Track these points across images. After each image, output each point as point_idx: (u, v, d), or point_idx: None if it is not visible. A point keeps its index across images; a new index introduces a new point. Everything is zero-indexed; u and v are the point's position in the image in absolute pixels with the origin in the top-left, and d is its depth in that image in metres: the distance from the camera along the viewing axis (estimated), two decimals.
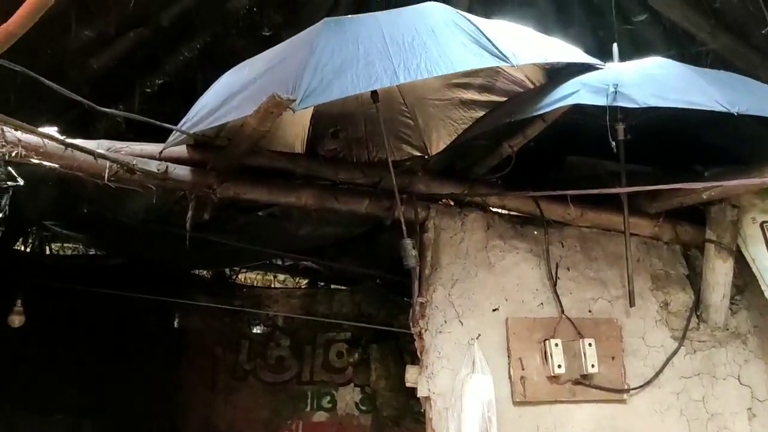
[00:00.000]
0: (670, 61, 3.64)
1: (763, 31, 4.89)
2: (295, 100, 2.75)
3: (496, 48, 3.02)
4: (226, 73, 3.62)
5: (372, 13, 3.44)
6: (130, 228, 4.85)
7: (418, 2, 5.56)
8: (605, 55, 4.43)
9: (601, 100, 3.14)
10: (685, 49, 5.52)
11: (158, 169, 3.54)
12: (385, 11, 3.45)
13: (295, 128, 4.60)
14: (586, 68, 3.52)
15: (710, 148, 4.14)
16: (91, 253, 7.78)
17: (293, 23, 5.89)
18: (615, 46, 4.12)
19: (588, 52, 3.83)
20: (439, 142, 4.82)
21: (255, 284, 8.70)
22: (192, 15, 5.55)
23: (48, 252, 7.74)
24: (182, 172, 3.68)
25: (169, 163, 3.61)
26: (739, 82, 3.55)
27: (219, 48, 5.82)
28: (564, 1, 5.82)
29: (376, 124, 4.41)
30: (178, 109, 5.67)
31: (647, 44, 5.67)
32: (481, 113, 4.56)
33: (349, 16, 3.44)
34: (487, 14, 5.60)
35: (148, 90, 5.95)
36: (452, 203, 4.18)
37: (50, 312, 6.64)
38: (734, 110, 2.97)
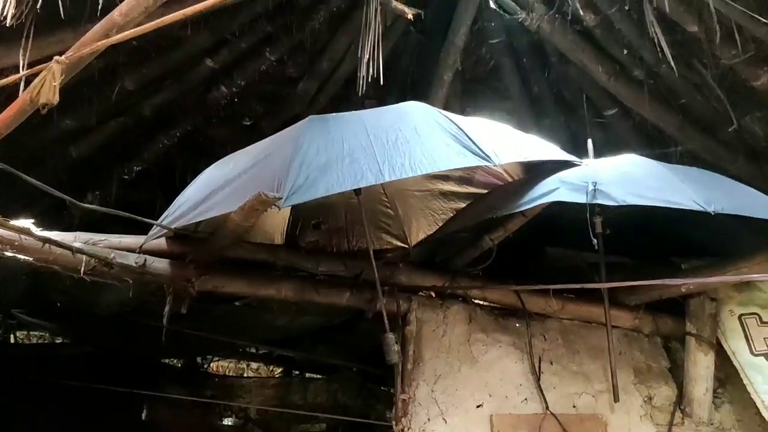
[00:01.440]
0: (644, 159, 3.75)
1: (729, 129, 5.09)
2: (281, 198, 2.76)
3: (479, 148, 3.08)
4: (210, 168, 3.63)
5: (356, 111, 3.51)
6: (102, 319, 4.72)
7: (397, 96, 5.84)
8: (578, 147, 4.57)
9: (581, 198, 3.20)
10: (656, 143, 5.70)
11: (136, 263, 3.48)
12: (368, 110, 3.52)
13: (275, 219, 4.60)
14: (564, 164, 3.60)
15: (687, 240, 4.23)
16: (58, 341, 7.52)
17: (273, 113, 6.02)
18: (590, 141, 4.23)
19: (561, 143, 3.95)
20: (419, 232, 4.85)
21: (227, 373, 8.46)
22: (174, 105, 5.61)
23: (12, 341, 7.47)
24: (161, 265, 3.62)
25: (147, 256, 3.56)
26: (711, 180, 3.65)
27: (199, 136, 5.88)
28: (537, 95, 6.02)
29: (357, 214, 4.44)
30: (154, 195, 5.71)
31: (618, 138, 5.85)
32: (460, 204, 4.62)
33: (334, 114, 3.50)
34: (462, 107, 5.79)
35: (126, 177, 5.93)
36: (434, 295, 4.16)
37: (12, 403, 6.33)
38: (710, 209, 3.04)
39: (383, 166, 2.97)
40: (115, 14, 2.33)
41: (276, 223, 4.66)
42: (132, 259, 3.49)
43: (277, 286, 3.89)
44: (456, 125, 3.23)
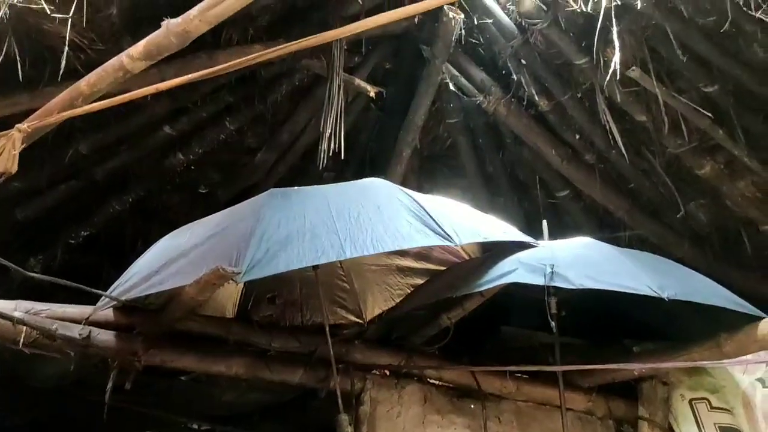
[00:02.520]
0: (599, 242, 3.82)
1: (678, 216, 5.28)
2: (239, 273, 2.69)
3: (439, 227, 3.09)
4: (164, 238, 3.54)
5: (317, 186, 3.51)
6: (38, 391, 4.45)
7: (355, 170, 5.89)
8: (531, 226, 4.67)
9: (539, 280, 3.24)
10: (605, 225, 5.85)
11: (80, 335, 3.33)
12: (331, 185, 3.51)
13: (227, 290, 4.47)
14: (522, 245, 3.65)
15: (638, 323, 4.28)
16: None
17: (230, 182, 5.98)
18: (544, 223, 4.30)
19: (514, 222, 4.02)
20: (374, 308, 4.79)
21: None
22: (128, 170, 5.52)
23: None
24: (106, 337, 3.46)
25: (92, 328, 3.41)
26: (663, 265, 3.75)
27: (152, 203, 5.77)
28: (491, 175, 6.15)
29: (312, 288, 4.38)
30: (102, 261, 5.52)
31: (569, 219, 5.99)
32: (417, 280, 4.61)
33: (296, 188, 3.49)
34: (419, 183, 5.86)
35: (72, 241, 5.74)
36: (389, 374, 4.07)
37: None
38: (665, 295, 3.11)
39: (345, 242, 2.94)
40: (82, 84, 2.30)
41: (228, 295, 4.54)
42: (76, 331, 3.34)
43: (228, 362, 3.76)
44: (417, 203, 3.25)
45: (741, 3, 3.67)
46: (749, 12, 3.68)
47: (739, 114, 4.59)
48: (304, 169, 6.00)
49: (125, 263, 3.63)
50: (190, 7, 3.93)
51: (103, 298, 3.36)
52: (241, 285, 4.53)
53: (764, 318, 3.48)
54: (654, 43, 4.51)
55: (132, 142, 5.34)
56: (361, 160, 6.09)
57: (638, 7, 4.13)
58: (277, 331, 4.11)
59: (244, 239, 2.92)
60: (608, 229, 5.76)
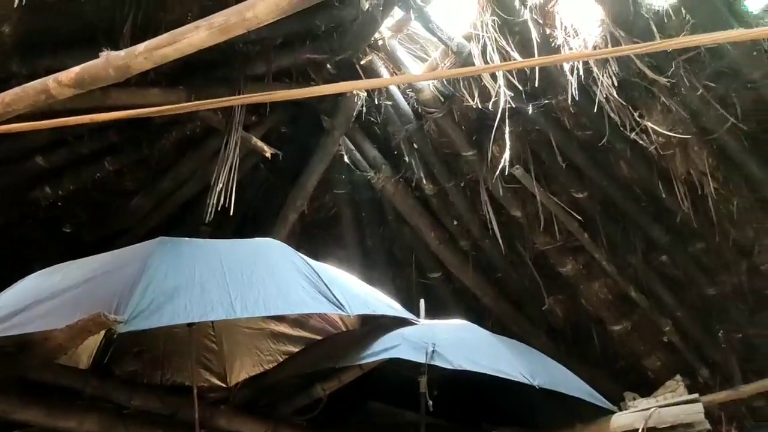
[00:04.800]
0: (477, 327, 3.97)
1: (539, 308, 5.62)
2: (122, 322, 2.52)
3: (333, 295, 3.10)
4: (32, 276, 3.25)
5: (210, 240, 3.41)
6: None
7: (234, 227, 5.75)
8: (402, 302, 4.74)
9: (420, 358, 3.30)
10: (471, 309, 6.07)
11: None
12: (224, 240, 3.42)
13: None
14: (403, 322, 3.72)
15: (501, 407, 4.43)
16: None
17: (98, 224, 5.63)
18: (422, 302, 4.39)
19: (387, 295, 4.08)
20: (240, 372, 4.63)
21: None
22: None
23: None
24: None
25: None
26: (533, 354, 3.96)
27: (9, 235, 5.27)
28: (370, 248, 6.25)
29: (178, 345, 4.18)
30: None
31: (439, 300, 6.17)
32: (290, 347, 4.54)
33: (187, 238, 3.36)
34: (298, 248, 5.82)
35: None
36: None
37: None
38: (536, 383, 3.28)
39: (235, 301, 2.86)
40: None
41: (85, 345, 4.21)
42: None
43: (80, 418, 3.45)
44: (312, 269, 3.24)
45: (618, 123, 4.10)
46: (624, 132, 4.13)
47: (603, 221, 5.05)
48: (180, 220, 5.78)
49: None
50: (91, 41, 3.83)
51: None
52: (101, 335, 4.23)
53: (616, 412, 3.75)
54: (536, 147, 4.90)
55: None
56: (243, 218, 5.98)
57: (528, 113, 4.50)
58: (139, 388, 3.85)
59: (128, 287, 2.75)
60: (474, 314, 5.99)
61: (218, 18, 2.02)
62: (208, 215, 4.44)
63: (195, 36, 2.04)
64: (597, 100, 4.06)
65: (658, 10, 3.81)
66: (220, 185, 4.42)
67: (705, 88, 3.84)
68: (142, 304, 2.66)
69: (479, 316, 6.00)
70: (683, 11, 3.69)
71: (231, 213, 4.52)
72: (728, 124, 3.93)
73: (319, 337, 4.36)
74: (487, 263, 5.90)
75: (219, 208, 4.53)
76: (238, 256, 3.20)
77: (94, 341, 4.26)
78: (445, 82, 4.88)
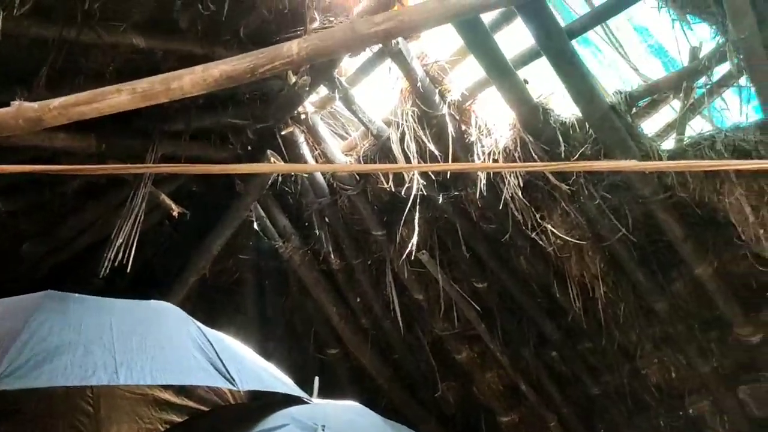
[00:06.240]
0: (369, 410, 3.93)
1: (432, 394, 5.65)
2: None
3: (225, 368, 3.02)
4: None
5: (102, 298, 3.25)
6: None
7: (129, 282, 5.52)
8: (296, 376, 4.65)
9: None
10: (365, 389, 6.03)
11: None
12: (117, 300, 3.27)
13: None
14: (295, 400, 3.64)
15: None
16: None
17: None
18: (316, 380, 4.32)
19: (282, 369, 3.99)
20: None
21: None
22: None
23: None
24: None
25: None
26: None
27: None
28: (270, 318, 6.14)
29: (48, 405, 3.91)
30: None
31: (334, 376, 6.10)
32: (172, 416, 4.33)
33: (77, 294, 3.19)
34: (195, 310, 5.64)
35: None
36: None
37: None
38: None
39: (120, 366, 2.73)
40: None
41: None
42: None
43: None
44: (207, 339, 3.16)
45: (521, 221, 4.30)
46: (525, 230, 4.33)
47: (500, 312, 5.20)
48: (73, 270, 5.50)
49: None
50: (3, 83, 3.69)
51: None
52: None
53: None
54: (443, 235, 5.04)
55: None
56: (140, 274, 5.76)
57: (438, 202, 4.65)
58: None
59: (5, 340, 2.58)
60: (368, 394, 5.94)
61: (142, 84, 2.01)
62: (105, 270, 4.26)
63: (115, 99, 2.02)
64: (503, 197, 4.26)
65: (565, 122, 4.10)
66: (121, 240, 4.28)
67: (602, 198, 4.10)
68: (19, 360, 2.51)
69: (373, 397, 5.97)
70: (587, 125, 3.98)
71: (128, 269, 4.38)
72: (620, 234, 4.20)
73: (205, 408, 4.19)
74: (386, 344, 5.92)
75: (116, 264, 4.38)
76: (130, 319, 3.07)
77: None
78: (362, 162, 4.99)
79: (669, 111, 4.25)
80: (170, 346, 2.99)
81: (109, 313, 3.06)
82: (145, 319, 3.16)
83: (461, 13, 2.57)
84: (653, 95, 4.06)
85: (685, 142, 3.86)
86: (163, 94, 1.97)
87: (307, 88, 4.32)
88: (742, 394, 4.63)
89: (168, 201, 4.77)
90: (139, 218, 4.38)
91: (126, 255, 4.23)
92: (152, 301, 3.45)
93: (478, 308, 5.12)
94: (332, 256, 5.47)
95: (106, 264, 4.22)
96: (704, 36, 3.63)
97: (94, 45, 3.98)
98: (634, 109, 3.96)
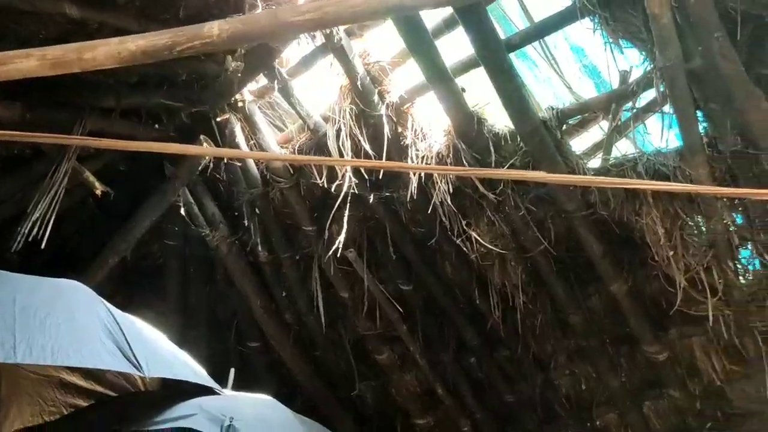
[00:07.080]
0: (281, 405, 3.89)
1: (350, 392, 5.66)
2: None
3: (133, 353, 2.93)
4: None
5: (8, 272, 3.11)
6: None
7: (44, 261, 5.31)
8: (214, 367, 4.58)
9: (215, 431, 3.17)
10: (284, 384, 5.97)
11: None
12: (24, 275, 3.13)
13: None
14: (207, 390, 3.58)
15: None
16: None
17: None
18: (232, 371, 4.27)
19: (198, 360, 3.93)
20: (15, 421, 4.16)
21: None
22: None
23: None
24: None
25: None
26: None
27: None
28: (192, 306, 6.01)
29: None
30: None
31: (253, 369, 6.03)
32: (78, 400, 4.17)
33: None
34: (114, 294, 5.46)
35: None
36: None
37: None
38: None
39: (19, 343, 2.62)
40: None
41: None
42: None
43: None
44: (116, 322, 3.06)
45: (447, 227, 4.36)
46: (452, 236, 4.39)
47: (422, 316, 5.25)
48: None
49: None
50: None
51: None
52: None
53: None
54: (372, 235, 5.06)
55: None
56: (58, 253, 5.55)
57: (369, 201, 4.66)
58: None
59: None
60: (287, 389, 5.90)
61: (54, 51, 1.94)
62: (17, 245, 4.08)
63: (24, 64, 1.93)
64: (432, 202, 4.30)
65: (498, 132, 4.18)
66: (37, 214, 4.11)
67: (527, 210, 4.21)
68: None
69: (291, 393, 5.94)
70: (518, 138, 4.07)
71: (43, 245, 4.21)
72: (542, 246, 4.31)
73: (113, 394, 4.06)
74: (308, 340, 5.89)
75: (30, 239, 4.21)
76: (36, 296, 2.95)
77: None
78: (297, 155, 4.95)
79: (597, 131, 4.39)
80: (75, 326, 2.88)
81: (14, 288, 2.93)
82: (52, 297, 3.04)
83: (389, 11, 2.57)
84: (584, 114, 4.18)
85: (609, 162, 4.00)
86: (76, 64, 1.89)
87: (239, 75, 4.24)
88: (647, 409, 4.83)
89: (92, 178, 4.60)
90: (59, 193, 4.22)
91: (41, 230, 4.07)
92: (62, 279, 3.32)
93: (402, 310, 5.14)
94: (260, 248, 5.39)
95: (19, 239, 4.04)
96: (635, 61, 3.77)
97: (27, 12, 3.82)
98: (564, 126, 4.08)
